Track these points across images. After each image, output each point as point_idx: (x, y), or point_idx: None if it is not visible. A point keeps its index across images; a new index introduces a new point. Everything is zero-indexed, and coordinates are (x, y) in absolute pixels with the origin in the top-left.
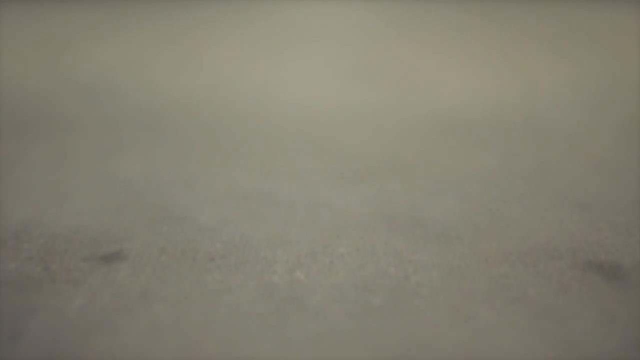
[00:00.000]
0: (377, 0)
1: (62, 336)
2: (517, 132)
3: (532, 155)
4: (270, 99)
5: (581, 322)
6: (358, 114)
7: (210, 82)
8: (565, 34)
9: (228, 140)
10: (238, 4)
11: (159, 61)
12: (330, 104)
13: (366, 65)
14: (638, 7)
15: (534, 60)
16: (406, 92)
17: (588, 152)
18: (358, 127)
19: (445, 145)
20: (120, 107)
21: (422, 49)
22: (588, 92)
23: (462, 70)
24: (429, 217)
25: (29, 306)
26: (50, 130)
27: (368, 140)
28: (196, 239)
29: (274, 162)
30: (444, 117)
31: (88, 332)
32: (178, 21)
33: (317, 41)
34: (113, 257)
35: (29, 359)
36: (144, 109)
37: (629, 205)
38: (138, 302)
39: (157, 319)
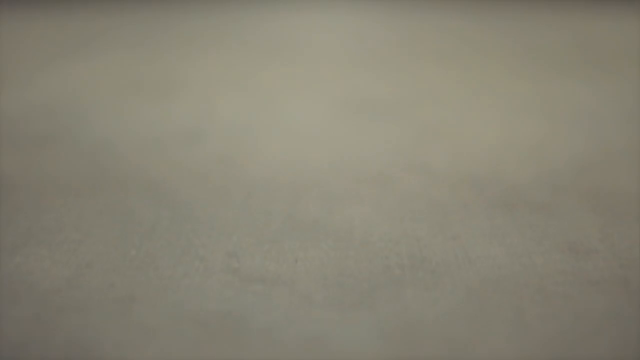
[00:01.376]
0: (382, 8)
1: None
2: (583, 208)
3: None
4: (250, 150)
5: None
6: (364, 178)
7: (177, 123)
8: (590, 55)
9: (192, 222)
10: (232, 13)
11: (127, 86)
12: (327, 161)
13: (373, 100)
14: None
15: (572, 93)
16: (425, 144)
17: None
18: (365, 202)
19: (490, 232)
20: (63, 157)
21: (440, 75)
22: None
23: (492, 109)
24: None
25: None
26: None
27: (374, 222)
28: None
29: (249, 262)
30: (480, 184)
31: None
32: (170, 33)
33: (316, 65)
34: None
35: None
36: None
37: None
38: None
39: None
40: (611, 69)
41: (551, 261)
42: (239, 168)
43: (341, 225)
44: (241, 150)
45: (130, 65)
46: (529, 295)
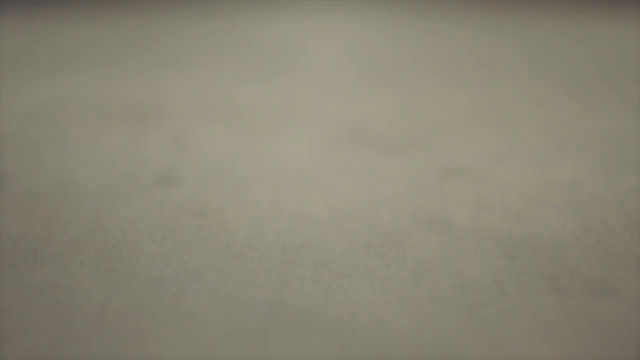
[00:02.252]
0: (384, 15)
1: None
2: None
3: None
4: (230, 199)
5: None
6: (369, 239)
7: (146, 161)
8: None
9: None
10: (225, 21)
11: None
12: (323, 214)
13: (379, 133)
14: None
15: (606, 126)
16: (443, 191)
17: None
18: (371, 277)
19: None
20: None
21: (454, 98)
22: None
23: (520, 144)
24: None
25: None
26: None
27: (385, 310)
28: None
29: None
30: (516, 248)
31: None
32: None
33: (312, 85)
34: None
35: None
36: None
37: None
38: None
39: None
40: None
41: None
42: (213, 226)
43: (341, 313)
44: (219, 199)
45: (105, 87)
46: None
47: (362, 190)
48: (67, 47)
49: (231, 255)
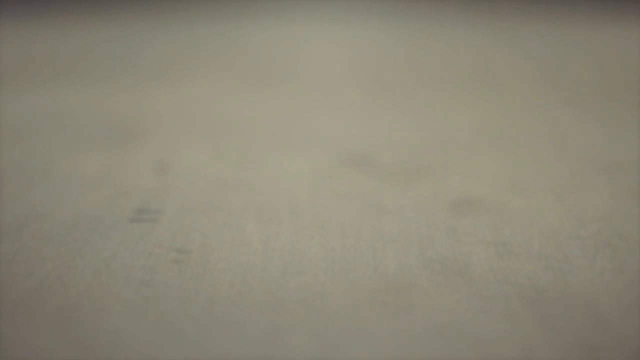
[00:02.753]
0: (388, 17)
1: None
2: None
3: None
4: (213, 242)
5: None
6: (375, 292)
7: (120, 193)
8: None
9: None
10: (222, 27)
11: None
12: (321, 262)
13: (384, 159)
14: None
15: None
16: (460, 233)
17: None
18: (378, 338)
19: None
20: None
21: (465, 116)
22: None
23: (546, 172)
24: None
25: None
26: None
27: None
28: None
29: None
30: (548, 311)
31: None
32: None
33: (311, 100)
34: None
35: None
36: None
37: None
38: None
39: None
40: None
41: None
42: (197, 268)
43: None
44: (204, 235)
45: (90, 101)
46: None
47: (364, 225)
48: (53, 57)
49: (217, 303)
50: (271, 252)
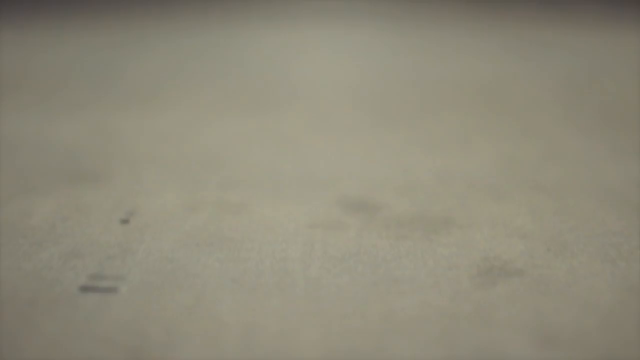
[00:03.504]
0: (391, 24)
1: None
2: None
3: None
4: (180, 320)
5: None
6: None
7: (75, 256)
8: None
9: None
10: (215, 37)
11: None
12: (316, 351)
13: (392, 211)
14: None
15: None
16: (489, 312)
17: None
18: None
19: None
20: None
21: (486, 154)
22: None
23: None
24: None
25: None
26: None
27: None
28: None
29: None
30: None
31: None
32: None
33: (305, 133)
34: None
35: None
36: None
37: None
38: None
39: None
40: None
41: None
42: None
43: None
44: (170, 318)
45: (46, 135)
46: None
47: (370, 307)
48: (22, 78)
49: None
50: (252, 346)
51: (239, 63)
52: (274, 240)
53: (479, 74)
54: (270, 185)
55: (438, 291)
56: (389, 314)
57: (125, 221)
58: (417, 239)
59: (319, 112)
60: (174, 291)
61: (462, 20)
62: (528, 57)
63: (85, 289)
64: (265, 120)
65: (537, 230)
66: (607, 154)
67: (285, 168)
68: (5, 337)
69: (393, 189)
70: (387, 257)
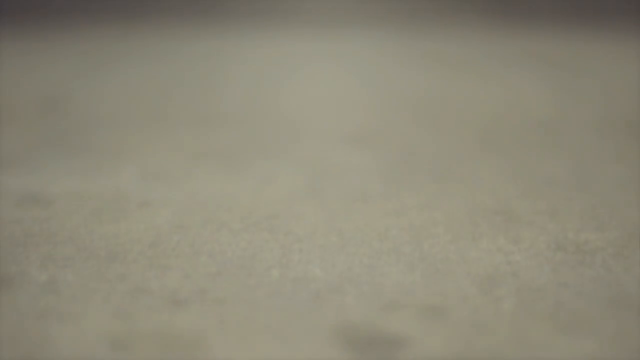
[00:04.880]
0: (396, 35)
1: None
2: None
3: None
4: None
5: None
6: None
7: None
8: None
9: None
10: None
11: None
12: None
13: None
14: None
15: None
16: None
17: None
18: None
19: None
20: None
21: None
22: None
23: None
24: None
25: None
26: None
27: None
28: None
29: None
30: None
31: None
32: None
33: (297, 192)
34: None
35: None
36: None
37: None
38: None
39: None
40: None
41: None
42: None
43: None
44: None
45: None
46: None
47: None
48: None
49: None
50: None
51: (217, 92)
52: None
53: (507, 110)
54: (240, 319)
55: None
56: None
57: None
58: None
59: (313, 172)
60: None
61: (482, 41)
62: (530, 66)
63: None
64: (239, 187)
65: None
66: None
67: (264, 277)
68: None
69: (416, 311)
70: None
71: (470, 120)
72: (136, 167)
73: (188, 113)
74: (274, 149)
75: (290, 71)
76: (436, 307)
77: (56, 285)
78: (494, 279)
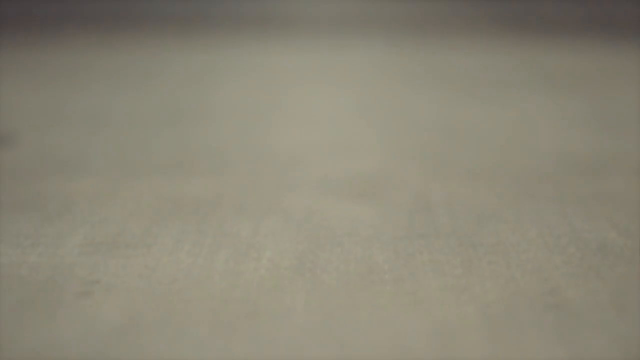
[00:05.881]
0: (401, 47)
1: None
2: None
3: None
4: None
5: None
6: None
7: None
8: None
9: None
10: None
11: None
12: None
13: None
14: None
15: None
16: None
17: None
18: None
19: None
20: None
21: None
22: None
23: None
24: None
25: None
26: None
27: None
28: None
29: None
30: None
31: None
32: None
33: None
34: None
35: None
36: None
37: None
38: None
39: None
40: None
41: None
42: None
43: None
44: None
45: None
46: None
47: None
48: None
49: None
50: None
51: (190, 146)
52: None
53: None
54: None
55: None
56: None
57: None
58: None
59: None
60: None
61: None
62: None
63: None
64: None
65: None
66: None
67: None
68: None
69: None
70: None
71: (494, 163)
72: (84, 232)
73: (157, 155)
74: (256, 205)
75: (282, 97)
76: None
77: None
78: None
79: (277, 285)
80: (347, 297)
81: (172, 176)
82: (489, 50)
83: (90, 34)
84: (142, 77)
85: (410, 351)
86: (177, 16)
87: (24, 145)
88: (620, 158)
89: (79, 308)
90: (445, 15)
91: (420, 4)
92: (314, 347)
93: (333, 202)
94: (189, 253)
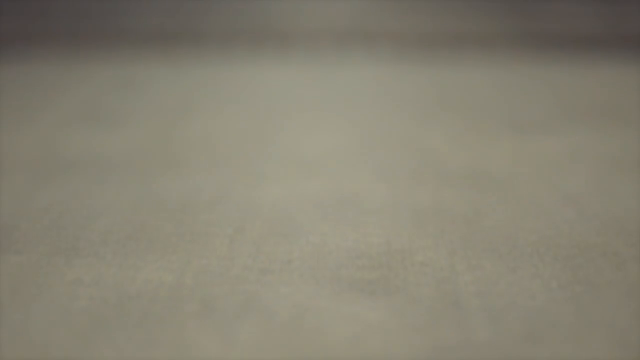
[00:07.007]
0: (406, 64)
1: None
2: None
3: None
4: None
5: None
6: None
7: None
8: None
9: None
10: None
11: None
12: None
13: None
14: None
15: None
16: None
17: None
18: None
19: None
20: None
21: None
22: None
23: None
24: None
25: None
26: None
27: None
28: None
29: None
30: None
31: None
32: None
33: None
34: None
35: None
36: None
37: None
38: None
39: None
40: None
41: None
42: None
43: None
44: None
45: None
46: None
47: None
48: None
49: None
50: None
51: (162, 209)
52: None
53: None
54: None
55: None
56: None
57: None
58: None
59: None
60: None
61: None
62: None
63: None
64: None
65: None
66: None
67: None
68: None
69: None
70: None
71: (529, 234)
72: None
73: (117, 224)
74: (228, 302)
75: (272, 137)
76: None
77: None
78: None
79: None
80: None
81: (135, 258)
82: (508, 69)
83: (70, 48)
84: (114, 110)
85: None
86: (164, 31)
87: None
88: None
89: None
90: (458, 32)
91: (427, 17)
92: None
93: (329, 298)
94: None
